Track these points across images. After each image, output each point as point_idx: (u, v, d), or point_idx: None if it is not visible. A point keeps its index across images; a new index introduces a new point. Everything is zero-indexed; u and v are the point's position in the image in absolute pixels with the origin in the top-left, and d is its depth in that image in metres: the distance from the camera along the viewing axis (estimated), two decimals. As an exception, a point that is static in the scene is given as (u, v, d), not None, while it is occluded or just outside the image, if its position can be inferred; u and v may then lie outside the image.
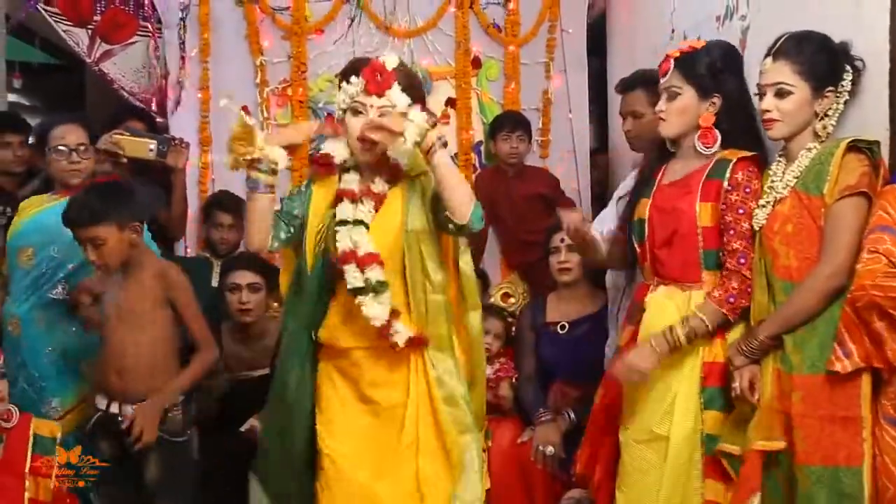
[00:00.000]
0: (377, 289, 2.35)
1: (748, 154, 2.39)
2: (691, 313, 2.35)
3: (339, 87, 2.40)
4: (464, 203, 2.30)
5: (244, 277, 3.49)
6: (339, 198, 2.42)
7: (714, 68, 2.44)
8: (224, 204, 4.03)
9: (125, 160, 3.63)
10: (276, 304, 4.07)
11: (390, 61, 2.34)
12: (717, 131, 2.43)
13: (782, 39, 2.28)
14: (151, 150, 3.69)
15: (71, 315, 3.12)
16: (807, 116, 2.25)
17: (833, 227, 2.12)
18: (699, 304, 2.37)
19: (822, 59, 2.24)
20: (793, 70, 2.23)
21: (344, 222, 2.39)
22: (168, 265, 2.95)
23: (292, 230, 2.48)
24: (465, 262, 2.54)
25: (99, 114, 4.84)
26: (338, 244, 2.37)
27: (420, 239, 2.40)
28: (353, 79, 2.34)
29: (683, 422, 2.37)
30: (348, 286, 2.35)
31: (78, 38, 4.53)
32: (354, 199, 2.40)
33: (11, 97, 5.08)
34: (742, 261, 2.32)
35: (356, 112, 2.35)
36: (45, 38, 4.97)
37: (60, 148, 3.07)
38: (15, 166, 3.77)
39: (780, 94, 2.24)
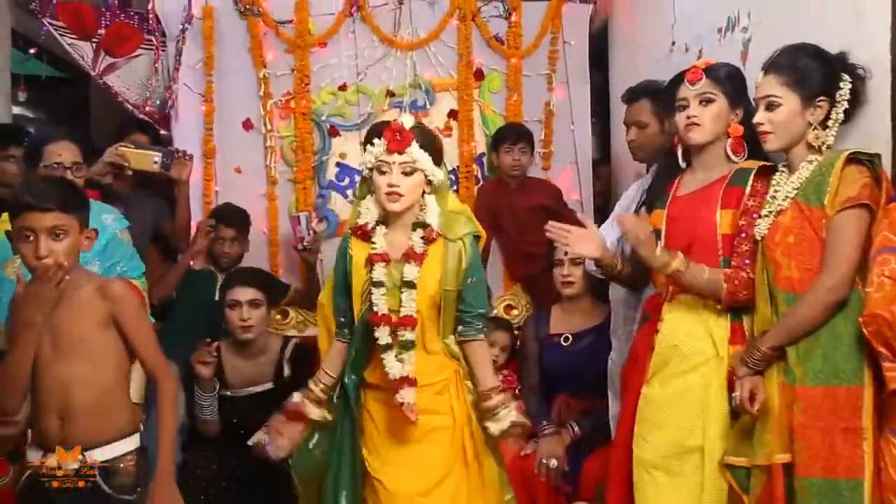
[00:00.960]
0: (405, 346, 2.60)
1: (768, 164, 2.42)
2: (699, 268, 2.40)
3: (364, 150, 2.68)
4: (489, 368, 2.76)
5: (244, 294, 3.47)
6: (370, 261, 2.66)
7: (736, 80, 2.53)
8: (226, 217, 4.03)
9: (130, 172, 3.65)
10: (278, 317, 4.09)
11: (407, 122, 2.62)
12: (745, 142, 2.49)
13: (775, 53, 2.31)
14: (156, 163, 3.71)
15: None
16: (798, 127, 2.26)
17: (834, 239, 2.13)
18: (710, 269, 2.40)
19: (812, 69, 2.25)
20: (779, 82, 2.26)
21: (379, 284, 2.62)
22: (109, 280, 2.52)
23: (344, 319, 2.75)
24: None
25: (103, 126, 4.88)
26: (374, 307, 2.61)
27: (450, 297, 2.66)
28: (376, 141, 2.61)
29: (716, 430, 2.37)
30: (378, 342, 2.61)
31: (83, 52, 4.54)
32: (387, 262, 2.63)
33: (16, 110, 5.09)
34: (747, 261, 2.36)
35: (381, 171, 2.60)
36: (50, 52, 4.99)
37: (55, 165, 3.08)
38: (17, 179, 3.78)
39: (770, 106, 2.28)
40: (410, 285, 2.59)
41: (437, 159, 2.67)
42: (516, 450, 3.38)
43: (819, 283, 2.13)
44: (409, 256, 2.61)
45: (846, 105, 2.25)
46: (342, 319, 2.75)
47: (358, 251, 2.69)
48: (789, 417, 2.16)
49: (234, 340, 3.50)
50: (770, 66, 2.30)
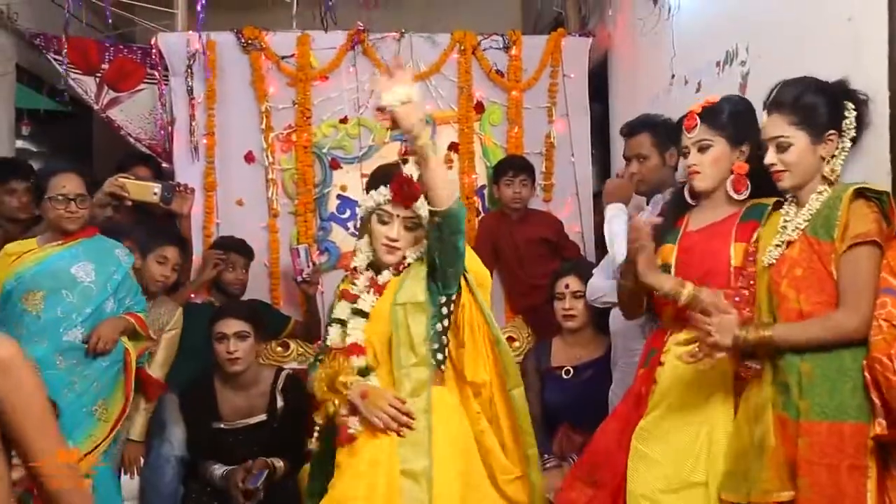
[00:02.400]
0: (363, 373, 2.48)
1: (782, 199, 2.40)
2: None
3: (367, 192, 2.57)
4: (446, 188, 2.38)
5: (230, 326, 3.45)
6: (340, 297, 2.60)
7: (739, 117, 2.49)
8: (235, 246, 4.10)
9: (130, 203, 3.67)
10: (279, 349, 4.08)
11: (416, 173, 2.44)
12: (747, 179, 2.47)
13: (775, 90, 2.29)
14: (156, 194, 3.73)
15: (85, 358, 3.11)
16: (812, 164, 2.24)
17: (851, 278, 2.09)
18: None
19: (817, 105, 2.23)
20: (787, 122, 2.23)
21: (338, 321, 2.55)
22: None
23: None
24: (502, 341, 2.62)
25: (106, 160, 4.90)
26: (328, 341, 2.56)
27: (408, 311, 2.47)
28: (381, 187, 2.49)
29: (722, 467, 2.31)
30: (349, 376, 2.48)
31: (86, 86, 4.59)
32: (351, 299, 2.55)
33: (19, 143, 5.12)
34: (752, 282, 2.32)
35: (382, 220, 2.51)
36: (53, 86, 5.04)
37: (59, 196, 3.10)
38: (21, 213, 3.80)
39: (780, 147, 2.24)
40: (360, 314, 2.51)
41: None
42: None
43: (843, 320, 2.09)
44: (370, 286, 2.54)
45: (853, 133, 2.24)
46: None
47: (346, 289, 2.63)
48: (791, 453, 2.13)
49: (225, 373, 3.50)
50: (773, 105, 2.27)
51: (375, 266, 2.58)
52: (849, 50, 2.39)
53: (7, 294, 3.08)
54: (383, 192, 2.49)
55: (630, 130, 3.25)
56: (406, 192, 2.45)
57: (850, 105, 2.23)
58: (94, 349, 3.06)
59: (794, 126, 2.22)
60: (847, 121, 2.22)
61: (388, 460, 2.40)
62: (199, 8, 4.20)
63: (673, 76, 3.68)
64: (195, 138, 4.47)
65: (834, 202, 2.15)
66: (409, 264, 2.54)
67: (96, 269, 3.15)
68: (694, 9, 3.53)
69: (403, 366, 2.45)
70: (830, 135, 2.22)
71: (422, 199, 2.43)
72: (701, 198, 2.55)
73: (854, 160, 2.27)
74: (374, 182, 2.56)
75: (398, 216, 2.49)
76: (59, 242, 3.15)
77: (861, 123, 2.24)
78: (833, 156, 2.23)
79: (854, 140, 2.24)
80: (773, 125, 2.25)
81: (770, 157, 2.26)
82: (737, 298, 2.28)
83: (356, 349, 2.49)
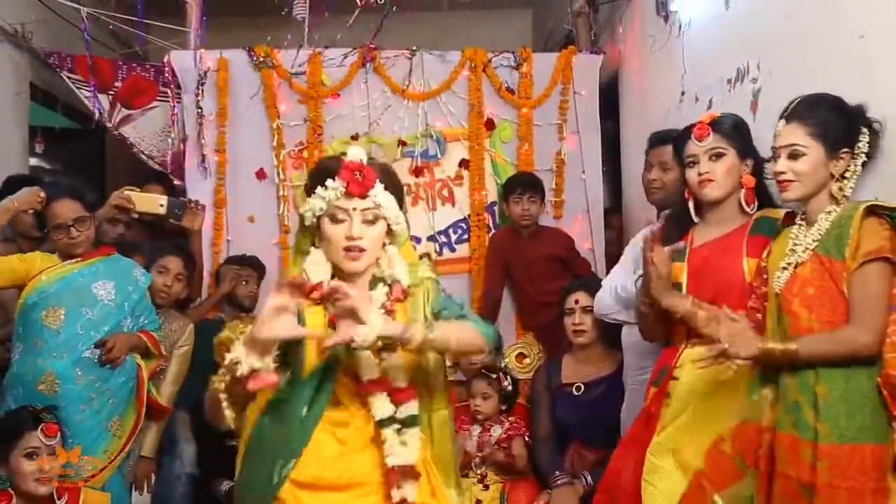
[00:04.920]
0: (407, 423, 2.07)
1: (791, 212, 2.40)
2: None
3: (309, 194, 2.11)
4: (473, 345, 2.11)
5: None
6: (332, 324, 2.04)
7: (744, 131, 2.53)
8: (249, 262, 4.15)
9: (136, 215, 3.69)
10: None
11: (362, 156, 2.08)
12: (755, 193, 2.49)
13: (795, 102, 2.29)
14: (162, 206, 3.76)
15: (103, 374, 3.12)
16: (822, 178, 2.24)
17: (863, 295, 2.08)
18: None
19: (836, 121, 2.24)
20: (805, 132, 2.23)
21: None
22: None
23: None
24: None
25: (118, 177, 4.93)
26: (363, 373, 2.06)
27: (422, 351, 2.09)
28: (329, 182, 2.05)
29: None
30: (376, 416, 2.05)
31: (99, 104, 4.62)
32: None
33: (33, 161, 5.16)
34: (766, 302, 2.31)
35: (336, 219, 2.06)
36: (67, 104, 5.08)
37: (58, 226, 3.14)
38: (35, 231, 3.81)
39: (794, 155, 2.24)
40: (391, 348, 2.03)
41: (401, 202, 2.15)
42: (529, 500, 3.35)
43: (856, 337, 2.07)
44: (387, 313, 2.06)
45: (864, 157, 2.24)
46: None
47: (312, 315, 2.07)
48: (805, 475, 2.10)
49: None
50: (792, 115, 2.27)
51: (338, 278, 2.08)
52: (860, 67, 2.38)
53: (29, 308, 3.11)
54: (334, 186, 2.04)
55: (659, 139, 3.24)
56: (361, 180, 2.04)
57: (865, 129, 2.23)
58: (108, 352, 3.08)
59: (812, 136, 2.22)
60: (861, 143, 2.22)
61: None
62: (199, 12, 4.20)
63: (683, 93, 3.68)
64: (207, 155, 4.49)
65: (845, 220, 2.15)
66: (408, 291, 2.14)
67: (116, 288, 3.20)
68: (705, 26, 3.54)
69: (425, 409, 2.15)
70: (844, 152, 2.22)
71: (378, 184, 2.06)
72: (707, 211, 2.54)
73: (866, 180, 2.27)
74: (316, 179, 2.09)
75: (354, 209, 2.05)
76: (78, 259, 3.19)
77: (872, 152, 2.24)
78: (844, 176, 2.23)
79: (864, 165, 2.24)
80: (789, 133, 2.25)
81: (780, 165, 2.26)
82: (752, 325, 2.27)
83: (406, 395, 2.09)
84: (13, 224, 3.88)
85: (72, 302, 3.11)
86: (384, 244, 2.12)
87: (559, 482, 3.29)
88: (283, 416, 2.06)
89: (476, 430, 3.53)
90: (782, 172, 2.25)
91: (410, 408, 2.07)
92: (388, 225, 2.10)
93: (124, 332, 3.18)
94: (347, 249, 2.05)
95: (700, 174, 2.49)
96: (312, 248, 2.13)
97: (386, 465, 2.01)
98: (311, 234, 2.14)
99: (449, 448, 2.18)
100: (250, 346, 1.88)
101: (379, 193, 2.07)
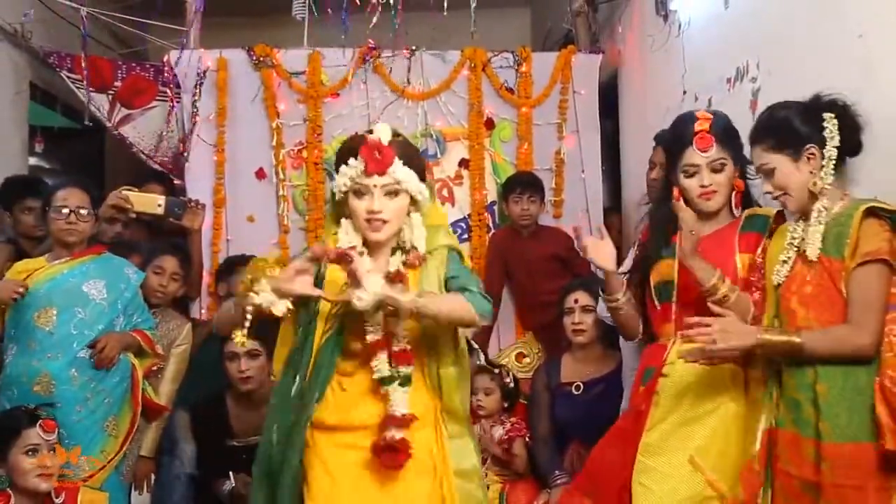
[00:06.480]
0: (404, 382, 2.29)
1: (782, 210, 2.41)
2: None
3: (337, 171, 2.34)
4: (462, 316, 2.27)
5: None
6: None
7: (735, 135, 2.52)
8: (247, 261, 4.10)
9: (134, 215, 3.68)
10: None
11: (385, 134, 2.27)
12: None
13: (754, 124, 2.32)
14: (160, 206, 3.75)
15: (99, 374, 3.12)
16: (802, 181, 2.22)
17: (861, 296, 2.08)
18: None
19: (787, 123, 2.23)
20: (763, 150, 2.27)
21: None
22: None
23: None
24: None
25: (118, 177, 4.93)
26: (368, 335, 2.29)
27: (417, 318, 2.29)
28: (351, 160, 2.28)
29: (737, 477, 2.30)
30: (376, 375, 2.28)
31: (99, 104, 4.62)
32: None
33: (32, 160, 5.16)
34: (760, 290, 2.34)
35: (360, 194, 2.28)
36: (66, 104, 5.07)
37: (61, 209, 3.12)
38: (37, 231, 3.82)
39: (768, 174, 2.28)
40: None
41: (422, 174, 2.34)
42: (529, 499, 3.35)
43: (853, 335, 2.08)
44: (392, 279, 2.26)
45: (837, 143, 2.22)
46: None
47: (334, 273, 2.32)
48: (809, 474, 2.10)
49: (238, 391, 3.49)
50: (752, 138, 2.31)
51: (366, 247, 2.34)
52: (860, 67, 2.38)
53: (20, 310, 3.09)
54: (355, 165, 2.26)
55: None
56: (379, 158, 2.24)
57: (829, 115, 2.21)
58: (100, 353, 3.05)
59: (771, 151, 2.25)
60: (826, 131, 2.21)
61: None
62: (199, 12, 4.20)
63: (684, 92, 3.69)
64: (206, 155, 4.49)
65: (845, 219, 2.15)
66: (424, 257, 2.34)
67: (107, 287, 3.17)
68: (704, 25, 3.54)
69: (434, 364, 2.36)
70: (810, 149, 2.21)
71: (396, 161, 2.25)
72: (704, 218, 2.53)
73: (865, 177, 2.27)
74: (342, 158, 2.32)
75: (375, 186, 2.25)
76: (67, 259, 3.16)
77: (848, 127, 2.21)
78: (822, 167, 2.21)
79: (855, 148, 2.22)
80: (756, 157, 2.31)
81: (766, 187, 2.29)
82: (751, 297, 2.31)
83: (404, 357, 2.30)
84: (14, 224, 3.89)
85: (63, 302, 3.09)
86: (409, 212, 2.33)
87: (559, 482, 3.29)
88: (303, 367, 2.34)
89: (476, 430, 3.52)
90: (770, 192, 2.28)
91: (406, 368, 2.29)
92: (411, 196, 2.30)
93: (116, 332, 3.15)
94: (369, 221, 2.27)
95: (703, 186, 2.49)
96: (343, 220, 2.36)
97: (383, 412, 2.27)
98: (342, 206, 2.35)
99: (457, 401, 2.38)
100: (274, 289, 2.19)
101: (398, 169, 2.26)
